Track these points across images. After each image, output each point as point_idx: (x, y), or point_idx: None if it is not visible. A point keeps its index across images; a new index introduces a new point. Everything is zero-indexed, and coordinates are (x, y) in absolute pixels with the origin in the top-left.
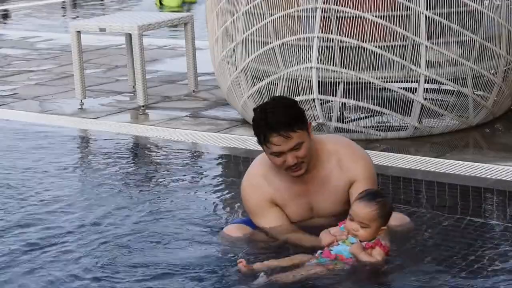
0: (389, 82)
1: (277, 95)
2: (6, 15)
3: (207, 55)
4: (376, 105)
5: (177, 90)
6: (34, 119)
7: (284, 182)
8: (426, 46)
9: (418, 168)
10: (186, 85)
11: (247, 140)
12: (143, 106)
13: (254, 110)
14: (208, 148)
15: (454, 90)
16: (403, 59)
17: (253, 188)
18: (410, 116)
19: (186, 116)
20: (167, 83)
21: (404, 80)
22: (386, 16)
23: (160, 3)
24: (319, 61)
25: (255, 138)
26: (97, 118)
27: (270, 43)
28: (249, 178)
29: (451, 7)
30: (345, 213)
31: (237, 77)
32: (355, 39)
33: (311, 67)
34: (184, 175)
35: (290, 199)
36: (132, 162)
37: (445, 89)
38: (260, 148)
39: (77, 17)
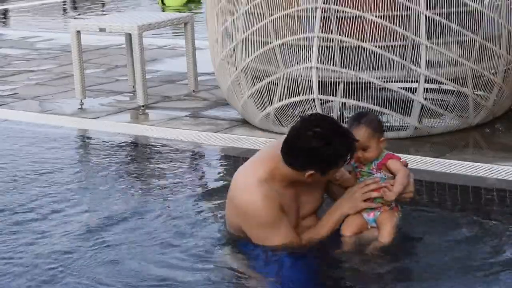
0: (389, 82)
1: (307, 116)
2: (6, 15)
3: (207, 55)
4: (376, 105)
5: (177, 90)
6: (34, 119)
7: (280, 190)
8: (426, 46)
9: (418, 168)
10: (186, 85)
11: (246, 139)
12: (143, 106)
13: (320, 138)
14: (208, 148)
15: (454, 90)
16: (403, 59)
17: (268, 199)
18: (410, 116)
19: (186, 116)
20: (167, 83)
21: (404, 80)
22: (386, 16)
23: (162, 2)
24: (319, 61)
25: (328, 166)
26: (97, 118)
27: (270, 43)
28: (255, 189)
29: (451, 7)
30: (321, 205)
31: (237, 77)
32: (355, 39)
33: (311, 67)
34: (184, 175)
35: (287, 206)
36: (131, 162)
37: (445, 89)
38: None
39: (78, 15)
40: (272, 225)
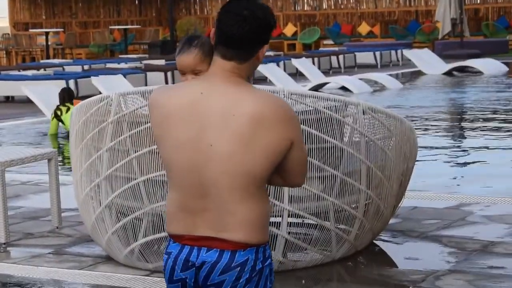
0: None
1: None
2: None
3: (71, 190)
4: None
5: (40, 227)
6: None
7: None
8: None
9: None
10: (49, 221)
11: (111, 276)
12: (4, 243)
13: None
14: (70, 284)
15: (317, 224)
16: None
17: None
18: (274, 250)
19: (49, 253)
20: (30, 220)
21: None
22: None
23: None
24: None
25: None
26: None
27: (135, 179)
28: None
29: (312, 143)
30: None
31: (102, 213)
32: None
33: None
34: None
35: None
36: None
37: (309, 223)
38: None
39: None
40: None
